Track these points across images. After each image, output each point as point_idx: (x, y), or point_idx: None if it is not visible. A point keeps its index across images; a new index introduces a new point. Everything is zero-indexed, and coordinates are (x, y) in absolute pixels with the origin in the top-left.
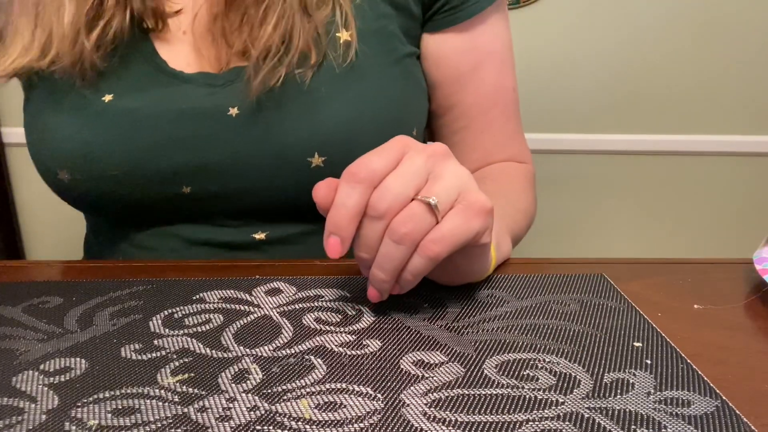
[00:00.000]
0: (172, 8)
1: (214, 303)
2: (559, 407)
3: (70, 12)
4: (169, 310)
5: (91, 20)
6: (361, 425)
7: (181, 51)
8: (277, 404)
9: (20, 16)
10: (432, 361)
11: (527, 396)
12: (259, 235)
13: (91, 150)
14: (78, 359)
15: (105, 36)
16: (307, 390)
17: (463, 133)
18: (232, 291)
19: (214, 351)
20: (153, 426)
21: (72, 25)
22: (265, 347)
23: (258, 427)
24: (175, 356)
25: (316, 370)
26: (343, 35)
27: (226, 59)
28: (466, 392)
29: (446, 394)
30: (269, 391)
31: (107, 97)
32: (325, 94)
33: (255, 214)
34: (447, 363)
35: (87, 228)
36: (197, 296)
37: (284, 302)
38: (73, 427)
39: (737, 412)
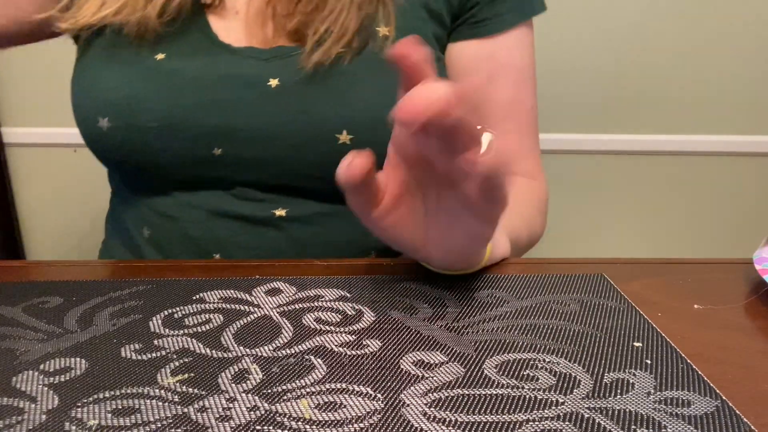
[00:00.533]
0: None
1: (214, 303)
2: (559, 407)
3: None
4: (169, 310)
5: None
6: (361, 425)
7: (232, 28)
8: (277, 404)
9: None
10: (432, 361)
11: (527, 396)
12: (280, 212)
13: (136, 100)
14: (78, 359)
15: (169, 5)
16: (307, 390)
17: None
18: (232, 291)
19: (214, 351)
20: (153, 426)
21: None
22: (265, 347)
23: (258, 427)
24: (175, 356)
25: (316, 370)
26: (383, 30)
27: (274, 40)
28: (466, 392)
29: (446, 394)
30: (269, 391)
31: (159, 56)
32: (359, 77)
33: (278, 188)
34: (447, 363)
35: (111, 201)
36: (197, 296)
37: (284, 302)
38: (73, 427)
39: (737, 412)
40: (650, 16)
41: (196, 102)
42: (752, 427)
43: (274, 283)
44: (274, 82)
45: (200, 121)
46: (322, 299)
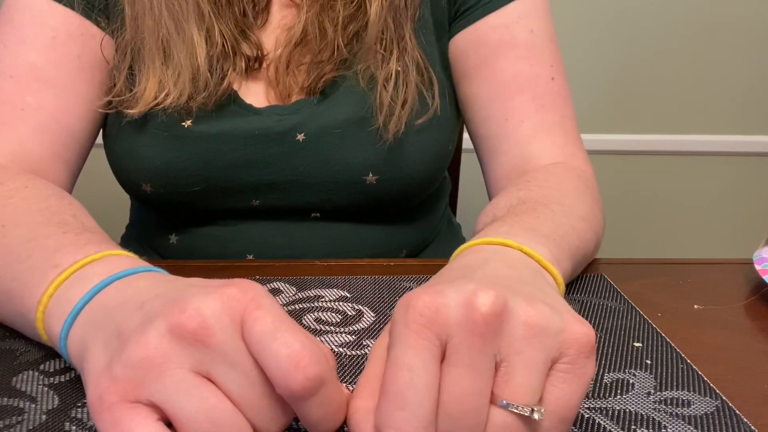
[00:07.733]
0: (260, 54)
1: None
2: None
3: (201, 55)
4: None
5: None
6: None
7: (251, 85)
8: None
9: (150, 49)
10: None
11: None
12: (314, 213)
13: (173, 170)
14: None
15: (212, 94)
16: None
17: (487, 126)
18: None
19: None
20: None
21: (202, 69)
22: None
23: None
24: None
25: None
26: (394, 67)
27: (288, 93)
28: None
29: None
30: None
31: (187, 123)
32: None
33: (312, 210)
34: None
35: (134, 218)
36: None
37: (284, 302)
38: (73, 427)
39: (737, 412)
40: (650, 17)
41: (230, 164)
42: (752, 427)
43: (274, 283)
44: (300, 137)
45: (237, 180)
46: (322, 299)
